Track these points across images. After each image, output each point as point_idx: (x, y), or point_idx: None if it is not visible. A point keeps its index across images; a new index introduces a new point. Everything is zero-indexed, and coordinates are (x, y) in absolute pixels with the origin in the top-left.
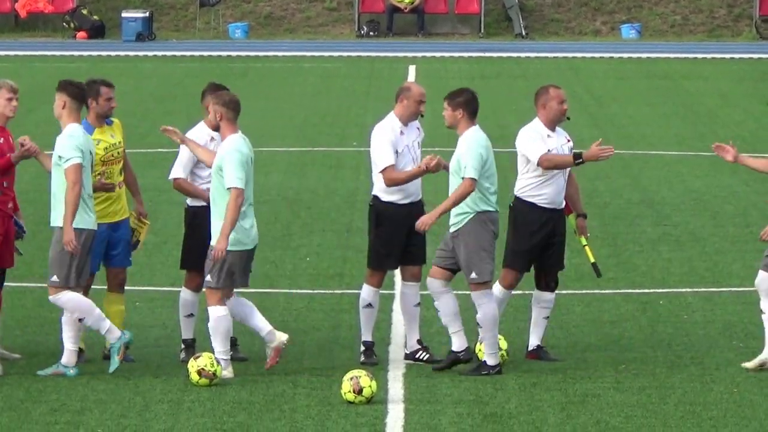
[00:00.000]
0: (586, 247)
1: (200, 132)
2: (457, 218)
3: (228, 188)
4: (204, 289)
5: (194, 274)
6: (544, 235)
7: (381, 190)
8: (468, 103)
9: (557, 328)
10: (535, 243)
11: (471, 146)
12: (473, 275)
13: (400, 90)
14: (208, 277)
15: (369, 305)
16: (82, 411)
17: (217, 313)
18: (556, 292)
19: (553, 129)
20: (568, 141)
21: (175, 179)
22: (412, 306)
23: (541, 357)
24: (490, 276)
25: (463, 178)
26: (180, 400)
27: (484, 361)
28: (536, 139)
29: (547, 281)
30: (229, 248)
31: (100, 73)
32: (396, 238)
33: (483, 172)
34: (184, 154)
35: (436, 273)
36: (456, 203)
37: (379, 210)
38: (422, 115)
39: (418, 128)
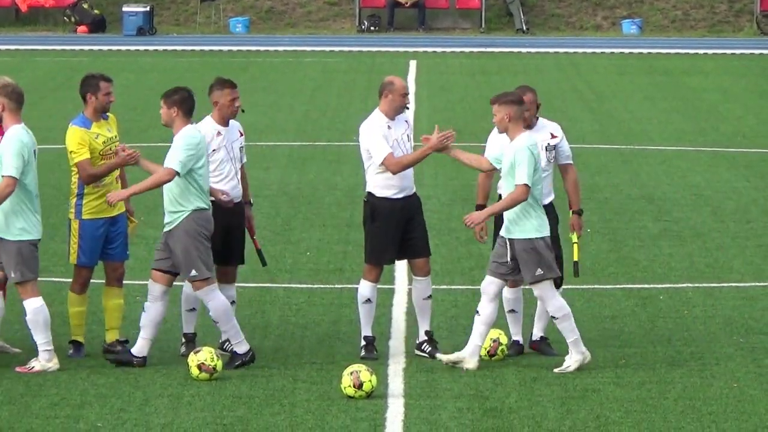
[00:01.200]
0: (575, 245)
1: (207, 126)
2: (171, 216)
3: (2, 176)
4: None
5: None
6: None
7: (375, 186)
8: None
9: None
10: (392, 235)
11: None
12: (193, 273)
13: (383, 85)
14: (11, 274)
15: (368, 300)
16: (82, 405)
17: (33, 305)
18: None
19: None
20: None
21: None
22: (421, 299)
23: (541, 350)
24: (210, 271)
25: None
26: (180, 394)
27: (235, 351)
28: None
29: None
30: (21, 238)
31: (100, 67)
32: (391, 233)
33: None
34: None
35: (158, 277)
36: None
37: (373, 205)
38: (407, 108)
39: (406, 121)
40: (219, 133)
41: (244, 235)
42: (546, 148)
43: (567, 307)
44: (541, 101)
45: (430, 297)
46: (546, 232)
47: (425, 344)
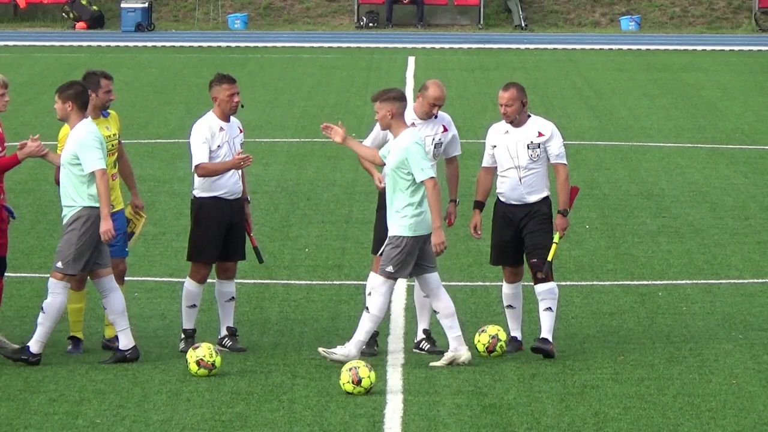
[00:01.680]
0: (555, 245)
1: (210, 122)
2: (65, 210)
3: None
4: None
5: (200, 266)
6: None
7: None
8: None
9: (556, 318)
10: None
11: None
12: (59, 264)
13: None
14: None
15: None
16: (80, 401)
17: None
18: (557, 282)
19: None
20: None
21: (198, 165)
22: (422, 297)
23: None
24: (76, 270)
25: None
26: (179, 390)
27: (27, 347)
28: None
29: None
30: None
31: (99, 63)
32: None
33: None
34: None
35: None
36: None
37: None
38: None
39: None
40: (221, 129)
41: (244, 232)
42: (528, 146)
43: (382, 312)
44: (539, 97)
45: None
46: (421, 231)
47: (424, 342)
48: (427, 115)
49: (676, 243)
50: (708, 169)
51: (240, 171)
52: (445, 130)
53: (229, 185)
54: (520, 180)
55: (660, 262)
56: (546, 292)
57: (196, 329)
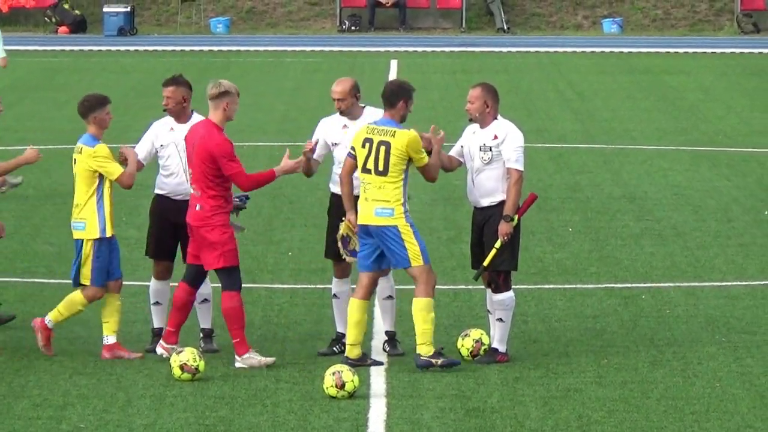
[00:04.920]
0: (494, 250)
1: (162, 122)
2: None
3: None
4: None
5: (154, 262)
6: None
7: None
8: None
9: (539, 321)
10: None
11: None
12: None
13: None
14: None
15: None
16: (64, 406)
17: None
18: (540, 286)
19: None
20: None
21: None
22: (381, 298)
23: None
24: None
25: None
26: (162, 395)
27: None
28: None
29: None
30: None
31: (82, 68)
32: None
33: None
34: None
35: None
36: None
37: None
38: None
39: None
40: (172, 129)
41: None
42: (481, 147)
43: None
44: (522, 100)
45: (389, 297)
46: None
47: (385, 344)
48: (346, 114)
49: (659, 246)
50: (690, 171)
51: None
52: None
53: (172, 185)
54: (473, 182)
55: (643, 265)
56: (497, 302)
57: (163, 328)
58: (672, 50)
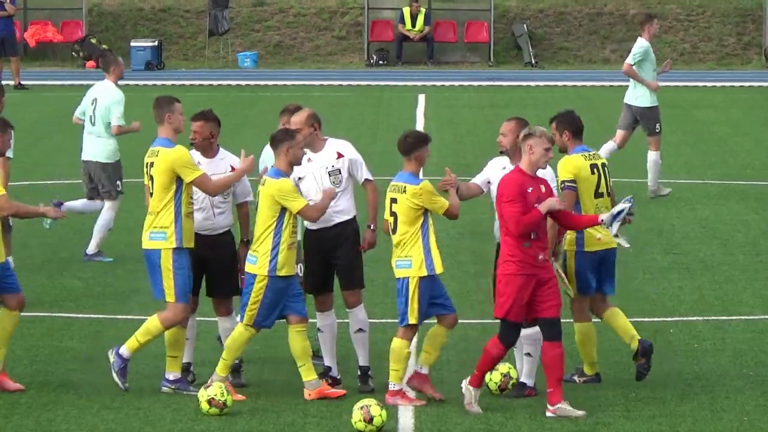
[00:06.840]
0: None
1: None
2: None
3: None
4: None
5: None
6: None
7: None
8: None
9: (567, 356)
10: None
11: None
12: None
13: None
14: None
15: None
16: None
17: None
18: (567, 320)
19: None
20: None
21: None
22: (352, 332)
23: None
24: None
25: None
26: (190, 429)
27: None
28: None
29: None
30: None
31: None
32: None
33: None
34: None
35: None
36: None
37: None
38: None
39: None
40: (198, 163)
41: (226, 268)
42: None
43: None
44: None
45: (360, 330)
46: None
47: (358, 379)
48: (306, 145)
49: (687, 279)
50: (719, 205)
51: (243, 211)
52: (340, 156)
53: (198, 220)
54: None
55: (671, 299)
56: (526, 337)
57: (191, 363)
58: (700, 84)
